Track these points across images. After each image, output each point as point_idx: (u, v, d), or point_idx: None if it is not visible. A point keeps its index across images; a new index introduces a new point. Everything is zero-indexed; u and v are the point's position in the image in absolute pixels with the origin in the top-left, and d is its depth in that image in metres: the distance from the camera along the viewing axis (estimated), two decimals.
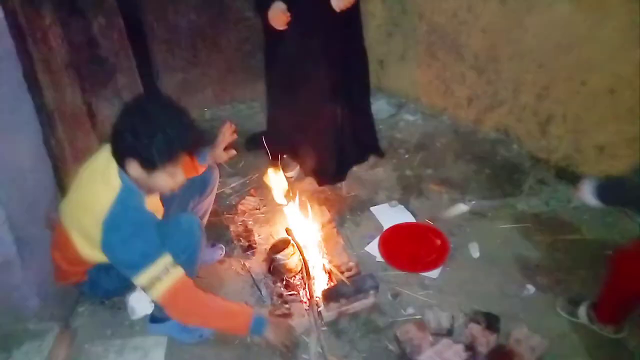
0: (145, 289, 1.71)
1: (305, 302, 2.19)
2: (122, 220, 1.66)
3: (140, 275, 1.67)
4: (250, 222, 2.80)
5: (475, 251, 2.52)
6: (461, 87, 3.42)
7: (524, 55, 2.98)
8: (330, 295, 2.16)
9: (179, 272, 1.73)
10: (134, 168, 1.65)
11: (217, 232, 2.70)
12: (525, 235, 2.60)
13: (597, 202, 1.72)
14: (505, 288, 2.30)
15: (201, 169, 2.18)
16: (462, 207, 2.56)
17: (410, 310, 2.20)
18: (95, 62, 2.70)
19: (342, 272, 2.27)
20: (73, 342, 1.98)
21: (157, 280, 1.67)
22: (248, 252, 2.56)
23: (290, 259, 2.36)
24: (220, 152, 2.21)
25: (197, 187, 2.23)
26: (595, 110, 2.72)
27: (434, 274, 2.40)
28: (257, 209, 2.92)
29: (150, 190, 1.78)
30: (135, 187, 1.71)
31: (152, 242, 1.70)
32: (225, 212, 2.87)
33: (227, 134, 2.20)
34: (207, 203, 2.35)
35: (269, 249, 2.40)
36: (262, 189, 3.04)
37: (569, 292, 2.24)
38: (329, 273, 2.30)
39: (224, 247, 2.55)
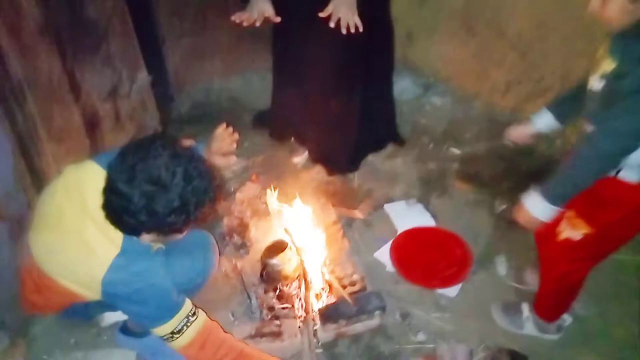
0: (164, 341, 1.47)
1: (300, 318, 1.89)
2: (126, 279, 1.37)
3: (156, 329, 1.44)
4: (247, 215, 2.49)
5: (502, 267, 2.16)
6: (500, 69, 2.97)
7: (577, 35, 2.51)
8: (329, 314, 1.85)
9: (200, 320, 1.49)
10: (146, 237, 1.36)
11: (208, 224, 2.39)
12: None
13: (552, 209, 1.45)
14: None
15: None
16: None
17: (420, 337, 1.88)
18: (81, 25, 2.36)
19: (344, 287, 1.95)
20: (28, 354, 1.73)
21: (178, 333, 1.44)
22: (241, 251, 2.26)
23: (286, 264, 2.04)
24: (216, 157, 1.78)
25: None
26: None
27: (452, 291, 2.06)
28: (257, 198, 2.60)
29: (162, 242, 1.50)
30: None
31: (166, 295, 1.43)
32: (221, 199, 2.56)
33: (224, 141, 1.75)
34: None
35: (264, 251, 2.09)
36: (266, 175, 2.71)
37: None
38: (330, 285, 1.98)
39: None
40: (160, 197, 1.23)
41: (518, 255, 2.21)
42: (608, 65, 1.34)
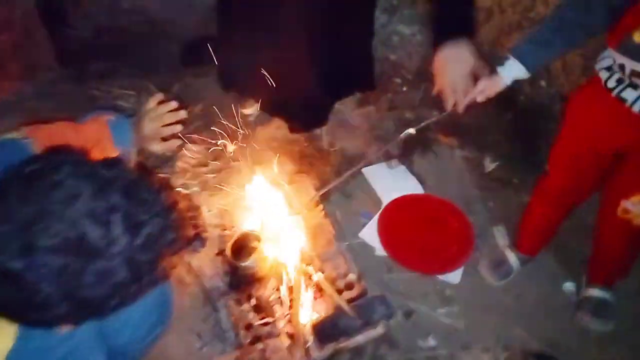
0: None
1: (287, 335, 1.50)
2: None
3: None
4: (194, 189, 1.95)
5: (502, 238, 1.89)
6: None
7: None
8: (325, 331, 1.47)
9: None
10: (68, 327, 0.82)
11: None
12: None
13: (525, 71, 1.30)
14: (552, 299, 1.73)
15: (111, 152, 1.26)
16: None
17: (431, 342, 1.58)
18: None
19: (339, 292, 1.56)
20: None
21: None
22: (195, 243, 1.76)
23: (261, 264, 1.60)
24: (151, 143, 1.27)
25: None
26: None
27: (454, 276, 1.76)
28: (203, 166, 2.05)
29: None
30: None
31: None
32: (155, 171, 1.98)
33: (162, 120, 1.25)
34: None
35: (230, 248, 1.61)
36: (209, 132, 2.13)
37: None
38: (320, 290, 1.58)
39: None
40: (88, 273, 0.71)
41: (517, 221, 1.94)
42: None
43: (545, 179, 1.56)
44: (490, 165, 2.14)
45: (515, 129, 2.29)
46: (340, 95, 2.29)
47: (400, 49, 2.61)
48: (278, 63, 1.99)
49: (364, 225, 1.88)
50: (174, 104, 1.27)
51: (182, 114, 1.29)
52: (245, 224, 1.72)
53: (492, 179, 2.10)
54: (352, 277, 1.60)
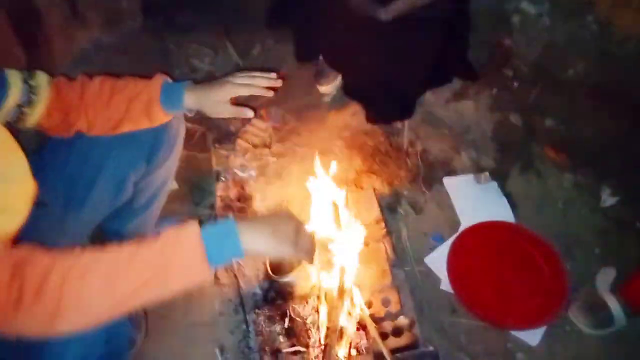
0: None
1: None
2: None
3: None
4: (251, 172, 1.75)
5: (613, 303, 1.46)
6: None
7: None
8: None
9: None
10: None
11: (194, 189, 1.68)
12: None
13: None
14: None
15: (160, 119, 1.09)
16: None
17: None
18: None
19: (384, 336, 1.30)
20: None
21: None
22: None
23: (303, 280, 1.38)
24: (221, 106, 1.09)
25: (142, 148, 1.15)
26: None
27: (533, 337, 1.42)
28: (266, 147, 1.83)
29: None
30: None
31: None
32: (215, 145, 1.80)
33: (250, 88, 1.10)
34: (165, 173, 1.28)
35: (269, 261, 1.39)
36: (280, 106, 1.90)
37: None
38: (363, 327, 1.33)
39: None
40: None
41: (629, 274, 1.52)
42: None
43: None
44: (608, 198, 1.69)
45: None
46: (433, 82, 1.91)
47: (519, 33, 2.12)
48: (366, 38, 1.67)
49: (432, 249, 1.58)
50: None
51: (276, 82, 1.12)
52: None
53: (607, 217, 1.66)
54: (403, 320, 1.33)
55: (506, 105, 1.93)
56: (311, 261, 0.99)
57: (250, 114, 1.13)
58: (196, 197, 1.68)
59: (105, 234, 1.33)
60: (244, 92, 1.09)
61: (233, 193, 1.66)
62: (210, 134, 1.84)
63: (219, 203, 1.63)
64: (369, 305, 1.35)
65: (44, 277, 0.69)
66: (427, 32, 1.63)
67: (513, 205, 1.68)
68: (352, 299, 1.34)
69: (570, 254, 1.57)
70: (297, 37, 1.92)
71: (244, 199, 1.66)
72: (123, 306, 0.75)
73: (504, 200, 1.68)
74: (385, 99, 1.84)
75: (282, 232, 0.86)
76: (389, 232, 1.54)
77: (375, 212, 1.55)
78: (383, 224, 1.52)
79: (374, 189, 1.64)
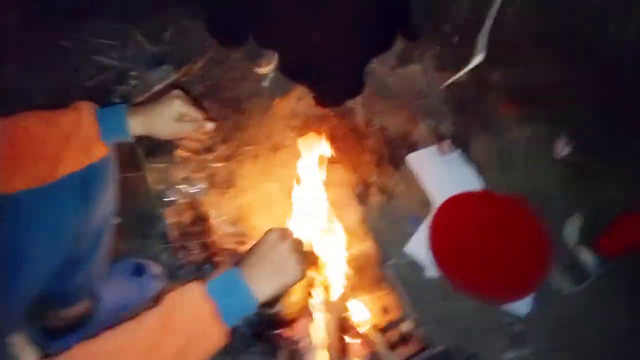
0: None
1: None
2: None
3: None
4: (201, 186, 1.52)
5: (586, 256, 1.48)
6: None
7: None
8: None
9: None
10: None
11: (136, 218, 1.43)
12: None
13: None
14: None
15: (101, 154, 0.89)
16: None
17: None
18: None
19: (392, 347, 1.22)
20: None
21: None
22: (205, 267, 1.38)
23: (288, 303, 1.24)
24: (175, 120, 0.97)
25: (73, 186, 0.89)
26: None
27: (522, 306, 1.41)
28: (209, 151, 1.60)
29: None
30: None
31: None
32: (149, 160, 1.54)
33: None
34: (105, 207, 1.02)
35: None
36: (214, 98, 1.66)
37: None
38: (367, 342, 1.23)
39: (161, 271, 1.33)
40: None
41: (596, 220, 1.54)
42: None
43: None
44: (564, 148, 1.68)
45: (599, 89, 1.78)
46: (376, 49, 1.75)
47: None
48: (299, 8, 1.46)
49: (411, 235, 1.49)
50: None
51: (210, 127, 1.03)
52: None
53: (566, 166, 1.66)
54: (406, 326, 1.25)
55: (452, 62, 1.82)
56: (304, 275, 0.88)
57: (211, 125, 1.03)
58: (142, 228, 1.44)
59: (49, 299, 1.09)
60: (193, 110, 0.98)
61: (187, 216, 1.44)
62: (140, 147, 1.56)
63: (173, 231, 1.41)
64: (375, 314, 1.25)
65: None
66: None
67: (479, 171, 1.62)
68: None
69: (540, 210, 1.56)
70: (218, 20, 1.64)
71: (200, 220, 1.44)
72: None
73: (470, 168, 1.63)
74: (330, 75, 1.66)
75: (284, 262, 0.77)
76: (366, 224, 1.42)
77: (356, 211, 1.42)
78: (366, 223, 1.40)
79: (348, 186, 1.50)
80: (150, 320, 0.64)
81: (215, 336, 0.67)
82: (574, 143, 1.68)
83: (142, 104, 0.97)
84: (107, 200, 1.01)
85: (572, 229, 1.55)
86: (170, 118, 0.95)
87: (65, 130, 0.84)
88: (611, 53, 1.62)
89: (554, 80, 1.77)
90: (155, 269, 1.30)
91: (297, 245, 0.80)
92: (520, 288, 1.42)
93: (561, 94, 1.76)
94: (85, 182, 0.91)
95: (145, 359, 0.62)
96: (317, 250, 1.28)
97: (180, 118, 0.96)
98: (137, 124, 0.92)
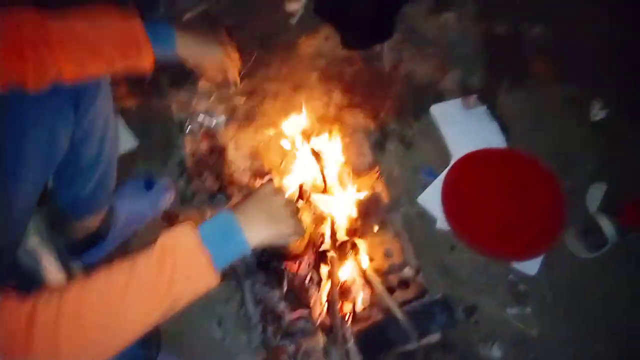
0: None
1: (323, 332, 1.21)
2: None
3: None
4: (220, 118, 1.51)
5: (606, 224, 1.39)
6: None
7: None
8: (370, 342, 1.17)
9: None
10: None
11: (156, 144, 1.44)
12: None
13: None
14: None
15: (147, 64, 0.90)
16: None
17: (495, 352, 1.27)
18: None
19: (392, 291, 1.21)
20: None
21: None
22: (217, 197, 1.39)
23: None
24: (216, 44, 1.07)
25: (62, 93, 0.88)
26: None
27: (531, 266, 1.38)
28: (232, 85, 1.57)
29: None
30: None
31: None
32: (172, 90, 1.53)
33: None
34: (101, 112, 1.01)
35: None
36: (240, 31, 1.62)
37: None
38: (369, 284, 1.23)
39: (171, 184, 1.35)
40: None
41: (621, 188, 1.47)
42: None
43: None
44: (598, 112, 1.58)
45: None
46: None
47: None
48: None
49: (425, 186, 1.46)
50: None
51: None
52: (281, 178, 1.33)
53: (598, 131, 1.57)
54: (408, 272, 1.24)
55: (492, 12, 1.72)
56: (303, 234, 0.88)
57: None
58: (160, 154, 1.45)
59: (62, 209, 1.13)
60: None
61: (203, 146, 1.44)
62: (164, 76, 1.55)
63: (189, 159, 1.42)
64: (371, 258, 1.25)
65: (29, 323, 0.57)
66: None
67: (504, 128, 1.55)
68: (355, 253, 1.23)
69: (565, 172, 1.49)
70: None
71: (217, 150, 1.44)
72: (129, 333, 0.64)
73: (495, 124, 1.55)
74: (361, 18, 1.59)
75: (278, 214, 0.77)
76: (380, 172, 1.39)
77: (368, 157, 1.39)
78: (377, 170, 1.37)
79: (363, 131, 1.46)
80: (143, 267, 0.64)
81: (207, 280, 0.67)
82: (609, 108, 1.58)
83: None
84: (100, 106, 0.99)
85: (595, 195, 1.48)
86: (211, 39, 1.04)
87: (117, 29, 0.85)
88: None
89: (595, 42, 1.65)
90: (164, 181, 1.33)
91: (291, 201, 0.80)
92: (530, 249, 1.38)
93: (601, 56, 1.65)
94: (73, 90, 0.90)
95: (136, 301, 0.62)
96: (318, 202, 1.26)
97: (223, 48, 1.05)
98: (183, 42, 0.96)
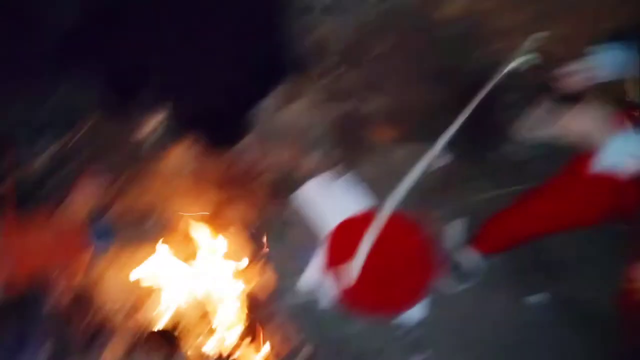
0: None
1: None
2: None
3: None
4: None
5: (466, 258, 1.53)
6: None
7: None
8: None
9: None
10: None
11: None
12: None
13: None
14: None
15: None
16: None
17: None
18: None
19: None
20: None
21: None
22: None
23: None
24: None
25: None
26: None
27: (416, 312, 1.46)
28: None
29: None
30: None
31: None
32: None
33: None
34: None
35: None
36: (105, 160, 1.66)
37: None
38: None
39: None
40: None
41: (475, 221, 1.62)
42: None
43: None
44: (442, 159, 1.77)
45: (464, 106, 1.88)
46: (262, 91, 1.82)
47: (333, 16, 2.08)
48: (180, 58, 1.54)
49: (306, 268, 1.52)
50: None
51: None
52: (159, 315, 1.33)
53: (446, 174, 1.74)
54: (306, 352, 1.27)
55: (337, 94, 1.90)
56: None
57: None
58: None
59: None
60: None
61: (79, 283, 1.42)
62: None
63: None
64: (271, 347, 1.27)
65: None
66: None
67: (367, 192, 1.68)
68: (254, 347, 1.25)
69: (427, 218, 1.62)
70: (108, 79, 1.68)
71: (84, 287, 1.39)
72: None
73: (358, 190, 1.69)
74: (218, 121, 1.72)
75: None
76: (264, 260, 1.46)
77: (249, 249, 1.45)
78: (260, 260, 1.44)
79: (239, 227, 1.53)
80: None
81: None
82: (451, 153, 1.77)
83: None
84: None
85: (453, 232, 1.62)
86: None
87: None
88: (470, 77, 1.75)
89: (427, 104, 1.87)
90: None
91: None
92: (410, 297, 1.47)
93: (434, 113, 1.86)
94: None
95: None
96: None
97: None
98: None
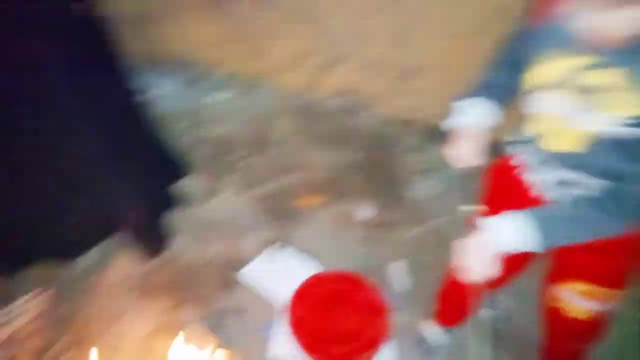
0: None
1: None
2: None
3: None
4: None
5: (428, 332, 1.55)
6: (279, 41, 2.32)
7: None
8: None
9: None
10: None
11: None
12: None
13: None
14: None
15: None
16: None
17: None
18: None
19: None
20: None
21: None
22: None
23: None
24: None
25: None
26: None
27: None
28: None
29: None
30: None
31: None
32: None
33: None
34: None
35: None
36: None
37: None
38: None
39: None
40: None
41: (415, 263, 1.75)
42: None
43: None
44: (365, 212, 1.93)
45: (368, 165, 2.13)
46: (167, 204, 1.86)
47: (227, 118, 2.27)
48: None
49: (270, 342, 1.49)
50: None
51: None
52: None
53: (371, 226, 1.89)
54: None
55: (252, 180, 2.01)
56: None
57: None
58: None
59: None
60: None
61: None
62: None
63: None
64: None
65: None
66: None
67: (312, 259, 1.74)
68: None
69: (366, 269, 1.70)
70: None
71: None
72: None
73: (303, 258, 1.74)
74: (144, 234, 1.69)
75: None
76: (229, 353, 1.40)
77: (211, 340, 1.39)
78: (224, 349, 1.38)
79: (197, 321, 1.47)
80: None
81: None
82: (373, 208, 1.93)
83: None
84: None
85: (395, 274, 1.70)
86: None
87: None
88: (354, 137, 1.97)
89: (346, 167, 2.06)
90: None
91: None
92: (371, 346, 1.43)
93: (345, 175, 2.06)
94: None
95: None
96: None
97: None
98: None
